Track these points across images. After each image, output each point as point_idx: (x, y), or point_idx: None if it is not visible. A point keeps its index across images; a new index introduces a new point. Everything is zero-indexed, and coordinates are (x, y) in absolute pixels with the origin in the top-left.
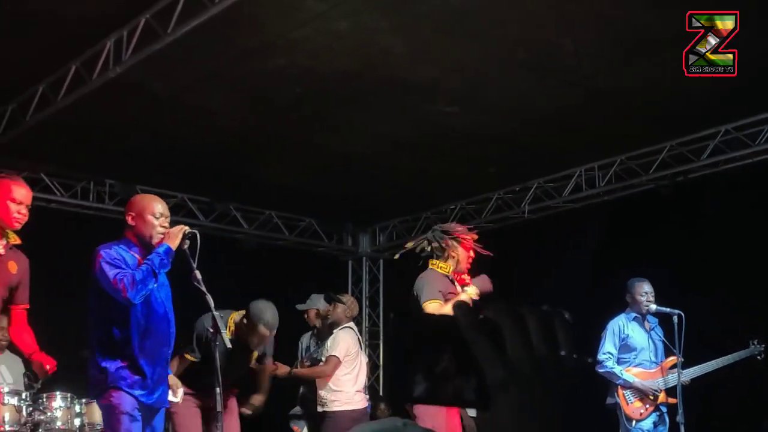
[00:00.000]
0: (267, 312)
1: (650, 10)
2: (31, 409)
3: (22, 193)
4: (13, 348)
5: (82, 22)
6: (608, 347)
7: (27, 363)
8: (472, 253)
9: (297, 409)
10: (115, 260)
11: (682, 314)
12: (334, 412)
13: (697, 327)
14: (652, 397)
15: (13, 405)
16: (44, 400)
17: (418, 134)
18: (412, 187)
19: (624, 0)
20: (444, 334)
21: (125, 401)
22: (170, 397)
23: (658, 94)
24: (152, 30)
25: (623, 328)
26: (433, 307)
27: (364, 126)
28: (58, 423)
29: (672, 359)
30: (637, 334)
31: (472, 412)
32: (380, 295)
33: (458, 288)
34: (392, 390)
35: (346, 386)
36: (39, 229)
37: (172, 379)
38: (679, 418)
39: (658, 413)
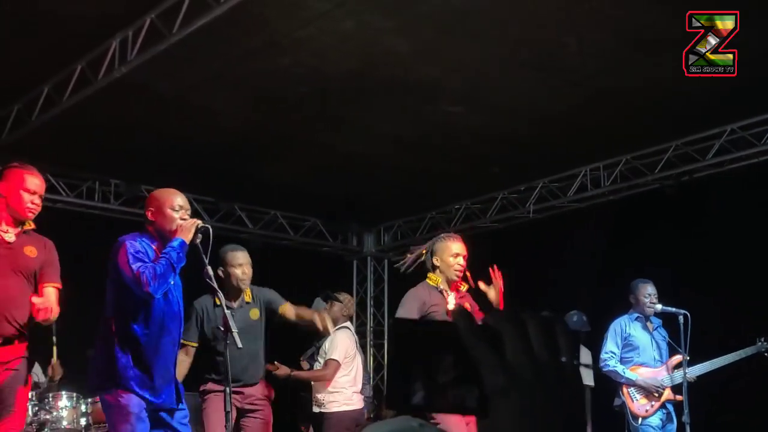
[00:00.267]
0: (226, 247)
1: (654, 9)
2: (37, 408)
3: (35, 182)
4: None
5: (87, 22)
6: (610, 347)
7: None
8: (457, 263)
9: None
10: (139, 253)
11: (688, 314)
12: (332, 413)
13: (702, 326)
14: (656, 394)
15: None
16: (50, 399)
17: (422, 134)
18: (417, 186)
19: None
20: (444, 340)
21: (133, 402)
22: None
23: (664, 94)
24: (157, 30)
25: (625, 327)
26: None
27: (369, 126)
28: (64, 422)
29: (677, 358)
30: (639, 334)
31: None
32: (385, 295)
33: (448, 298)
34: (392, 397)
35: (345, 387)
36: (44, 229)
37: None
38: (685, 418)
39: (664, 411)
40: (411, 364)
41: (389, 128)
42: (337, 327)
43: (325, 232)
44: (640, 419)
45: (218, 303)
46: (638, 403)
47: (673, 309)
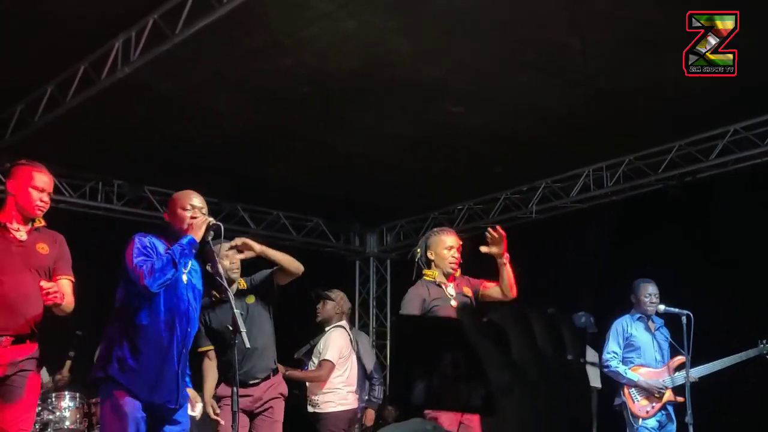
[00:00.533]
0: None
1: (658, 9)
2: (40, 408)
3: (44, 180)
4: None
5: (90, 22)
6: (612, 347)
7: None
8: (451, 255)
9: None
10: (146, 248)
11: (691, 315)
12: (327, 413)
13: (705, 327)
14: (657, 395)
15: None
16: (53, 399)
17: (425, 134)
18: (420, 187)
19: None
20: (448, 337)
21: (127, 402)
22: (189, 412)
23: (667, 94)
24: (160, 30)
25: (627, 327)
26: None
27: (371, 126)
28: (67, 423)
29: (679, 359)
30: (640, 334)
31: None
32: (387, 296)
33: (447, 289)
34: (395, 395)
35: (339, 387)
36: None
37: (191, 392)
38: (688, 419)
39: (664, 412)
40: (415, 362)
41: (391, 128)
42: (331, 326)
43: (327, 232)
44: (639, 420)
45: (216, 297)
46: (639, 404)
47: (676, 310)
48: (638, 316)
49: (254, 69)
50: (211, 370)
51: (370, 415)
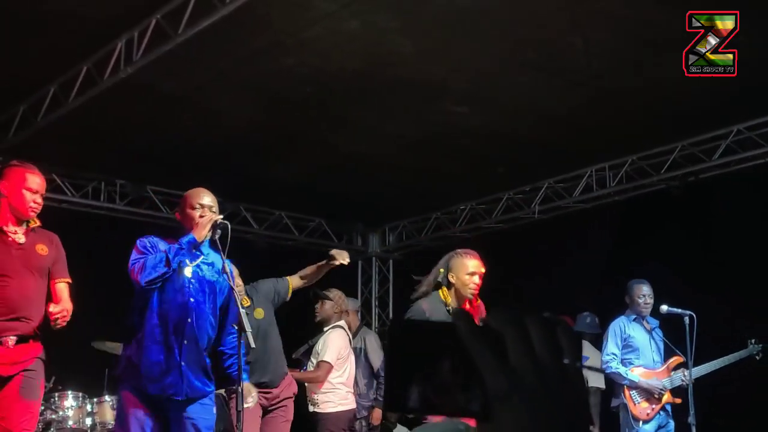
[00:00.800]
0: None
1: (658, 9)
2: (42, 407)
3: (36, 181)
4: None
5: (93, 22)
6: (611, 348)
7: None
8: (472, 281)
9: None
10: (144, 247)
11: (694, 315)
12: (328, 413)
13: (708, 327)
14: (657, 396)
15: None
16: (56, 399)
17: (427, 134)
18: (422, 187)
19: None
20: (444, 341)
21: (131, 402)
22: (245, 405)
23: (670, 94)
24: (163, 31)
25: (624, 328)
26: None
27: (374, 126)
28: (70, 422)
29: (676, 359)
30: (638, 335)
31: None
32: (390, 296)
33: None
34: (390, 400)
35: (339, 387)
36: (50, 229)
37: (245, 385)
38: (690, 419)
39: (663, 413)
40: (410, 366)
41: (394, 128)
42: (330, 326)
43: (329, 232)
44: (640, 422)
45: None
46: (640, 407)
47: (679, 310)
48: (634, 316)
49: (257, 69)
50: None
51: (377, 414)
